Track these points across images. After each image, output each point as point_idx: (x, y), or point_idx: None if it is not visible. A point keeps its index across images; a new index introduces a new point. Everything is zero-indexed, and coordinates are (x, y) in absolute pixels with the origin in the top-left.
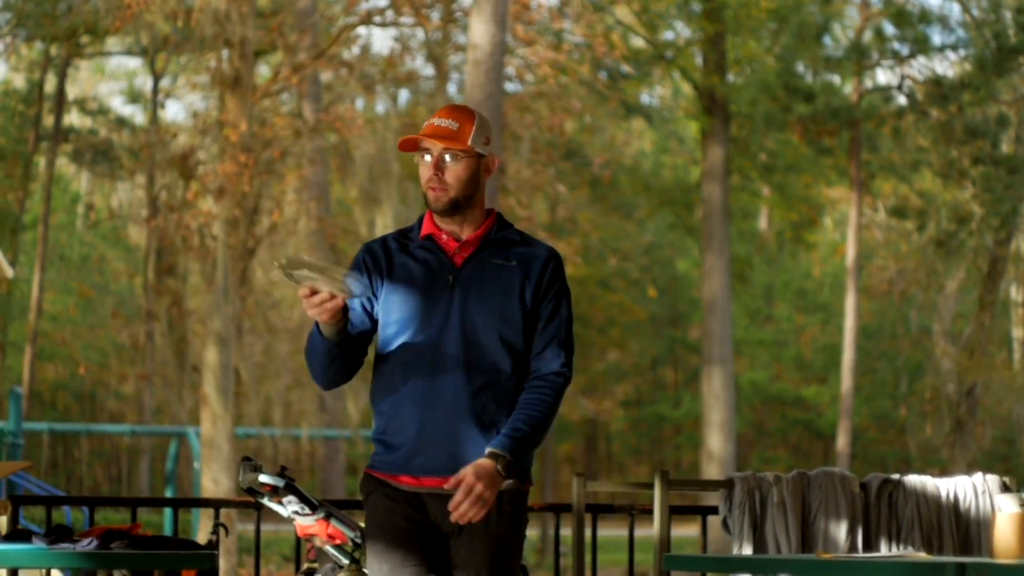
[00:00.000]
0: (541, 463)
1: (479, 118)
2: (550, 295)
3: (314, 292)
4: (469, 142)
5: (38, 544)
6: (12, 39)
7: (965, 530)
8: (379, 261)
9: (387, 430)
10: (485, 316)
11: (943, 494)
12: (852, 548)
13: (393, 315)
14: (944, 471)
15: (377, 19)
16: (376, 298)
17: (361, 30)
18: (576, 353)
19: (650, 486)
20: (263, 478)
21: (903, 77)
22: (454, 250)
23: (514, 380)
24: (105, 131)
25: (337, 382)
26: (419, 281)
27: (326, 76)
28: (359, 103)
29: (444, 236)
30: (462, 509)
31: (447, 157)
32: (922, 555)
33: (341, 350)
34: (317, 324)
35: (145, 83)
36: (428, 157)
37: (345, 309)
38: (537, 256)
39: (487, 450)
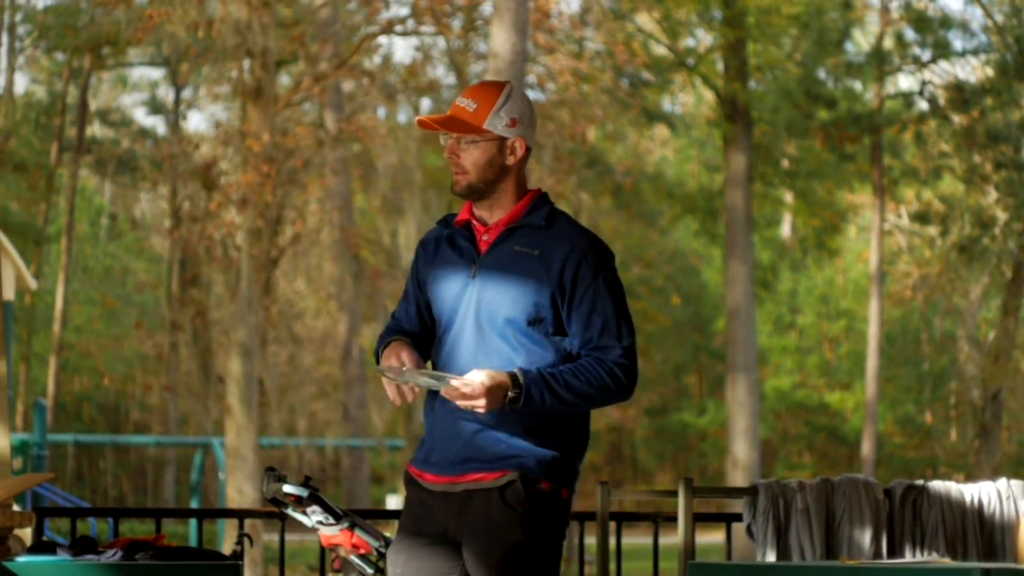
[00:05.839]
0: None
1: (505, 97)
2: (580, 290)
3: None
4: (485, 125)
5: (63, 556)
6: (34, 51)
7: (989, 536)
8: (428, 254)
9: (424, 423)
10: (500, 307)
11: (967, 500)
12: (876, 554)
13: (435, 305)
14: (969, 476)
15: (398, 28)
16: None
17: (382, 39)
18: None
19: (674, 494)
20: (287, 488)
21: (924, 82)
22: (481, 236)
23: None
24: (127, 142)
25: None
26: (452, 270)
27: (348, 86)
28: (381, 112)
29: (475, 222)
30: (454, 395)
31: (462, 141)
32: (946, 561)
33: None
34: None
35: (167, 94)
36: (444, 140)
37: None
38: (558, 248)
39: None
